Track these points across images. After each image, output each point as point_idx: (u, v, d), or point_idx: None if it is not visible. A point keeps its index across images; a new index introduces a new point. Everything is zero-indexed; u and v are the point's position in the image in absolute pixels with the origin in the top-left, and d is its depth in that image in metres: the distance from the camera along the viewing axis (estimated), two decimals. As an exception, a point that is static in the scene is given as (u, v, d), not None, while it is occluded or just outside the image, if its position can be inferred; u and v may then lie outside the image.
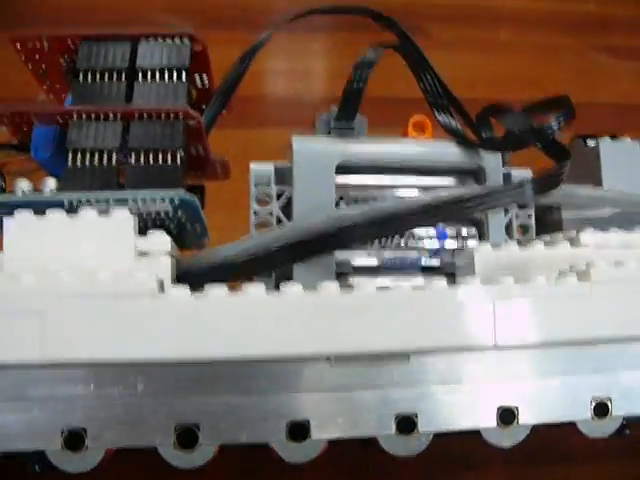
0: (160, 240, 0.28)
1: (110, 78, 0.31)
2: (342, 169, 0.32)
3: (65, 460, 0.26)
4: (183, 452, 0.25)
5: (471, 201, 0.27)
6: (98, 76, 0.31)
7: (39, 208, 0.32)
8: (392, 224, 0.30)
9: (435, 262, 0.33)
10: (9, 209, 0.31)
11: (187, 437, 0.25)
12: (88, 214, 0.27)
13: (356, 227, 0.28)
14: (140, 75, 0.31)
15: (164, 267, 0.27)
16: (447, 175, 0.33)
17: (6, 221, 0.27)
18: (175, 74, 0.31)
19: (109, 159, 0.30)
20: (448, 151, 0.32)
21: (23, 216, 0.27)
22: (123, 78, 0.31)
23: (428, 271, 0.32)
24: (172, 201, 0.29)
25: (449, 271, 0.32)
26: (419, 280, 0.32)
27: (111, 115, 0.30)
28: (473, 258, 0.28)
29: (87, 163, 0.30)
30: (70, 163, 0.30)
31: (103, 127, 0.30)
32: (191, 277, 0.28)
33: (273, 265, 0.29)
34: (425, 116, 0.33)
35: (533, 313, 0.25)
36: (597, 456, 0.39)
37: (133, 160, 0.30)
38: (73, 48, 0.32)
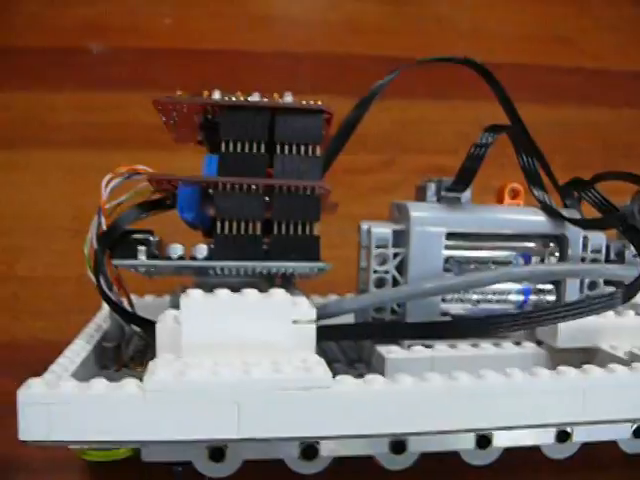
0: (308, 311, 0.32)
1: (250, 148, 0.34)
2: (448, 234, 0.36)
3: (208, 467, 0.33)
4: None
5: (566, 307, 0.32)
6: (240, 146, 0.34)
7: (189, 272, 0.36)
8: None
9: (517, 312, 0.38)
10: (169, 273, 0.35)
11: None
12: (251, 294, 0.31)
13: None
14: (279, 147, 0.34)
15: (311, 333, 0.32)
16: (534, 240, 0.38)
17: (183, 298, 0.31)
18: (311, 149, 0.34)
19: (254, 228, 0.34)
20: (539, 220, 0.37)
21: (196, 294, 0.31)
22: (263, 148, 0.34)
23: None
24: (312, 269, 0.34)
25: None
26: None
27: (254, 187, 0.34)
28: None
29: (234, 231, 0.34)
30: (219, 231, 0.34)
31: (247, 198, 0.34)
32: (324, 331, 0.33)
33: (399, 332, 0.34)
34: (519, 184, 0.38)
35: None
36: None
37: (275, 231, 0.34)
38: (210, 110, 0.35)
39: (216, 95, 0.35)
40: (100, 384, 0.27)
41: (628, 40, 0.79)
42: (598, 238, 0.38)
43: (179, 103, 0.35)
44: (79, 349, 0.35)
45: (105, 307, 0.43)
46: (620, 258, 0.39)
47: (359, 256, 0.38)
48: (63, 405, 0.27)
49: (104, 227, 0.34)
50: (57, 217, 0.52)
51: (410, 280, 0.36)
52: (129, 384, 0.28)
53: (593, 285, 0.38)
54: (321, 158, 0.34)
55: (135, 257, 0.34)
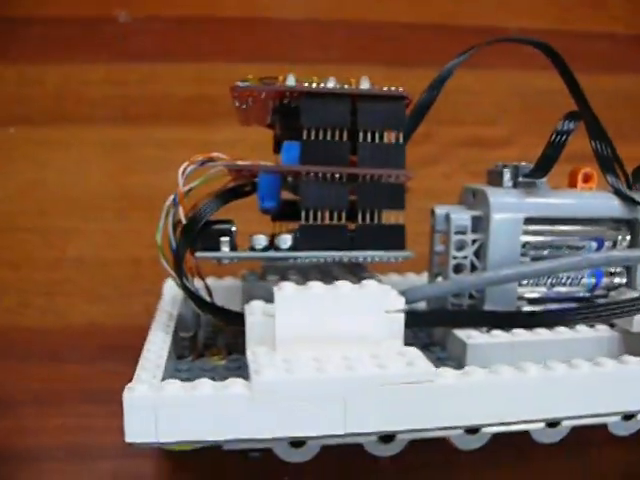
0: (397, 300, 0.32)
1: (333, 136, 0.33)
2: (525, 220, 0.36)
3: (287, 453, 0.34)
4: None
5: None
6: (322, 133, 0.33)
7: (274, 262, 0.35)
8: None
9: (588, 294, 0.38)
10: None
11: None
12: (344, 286, 0.31)
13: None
14: (361, 135, 0.34)
15: (400, 322, 0.32)
16: (607, 224, 0.38)
17: (277, 293, 0.30)
18: (394, 136, 0.34)
19: (339, 218, 0.33)
20: (612, 204, 0.37)
21: (289, 288, 0.31)
22: (345, 136, 0.33)
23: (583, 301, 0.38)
24: (397, 258, 0.34)
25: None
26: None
27: (337, 176, 0.33)
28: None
29: (319, 221, 0.33)
30: (303, 220, 0.33)
31: (332, 187, 0.33)
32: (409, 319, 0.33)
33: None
34: (591, 169, 0.38)
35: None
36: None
37: (360, 220, 0.34)
38: (288, 95, 0.34)
39: (290, 80, 0.34)
40: (206, 385, 0.27)
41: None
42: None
43: (259, 91, 0.34)
44: (160, 341, 0.34)
45: (170, 292, 0.42)
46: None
47: (432, 240, 0.38)
48: (170, 408, 0.27)
49: (182, 217, 0.34)
50: (102, 197, 0.51)
51: (489, 266, 0.35)
52: (235, 384, 0.27)
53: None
54: (404, 145, 0.34)
55: (218, 249, 0.33)
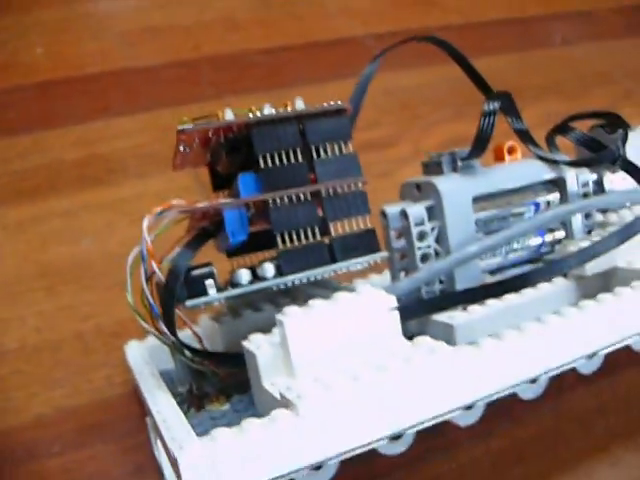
0: (390, 300, 0.33)
1: (288, 159, 0.34)
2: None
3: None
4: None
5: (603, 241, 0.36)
6: (277, 158, 0.34)
7: (261, 293, 0.35)
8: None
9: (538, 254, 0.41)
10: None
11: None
12: (343, 298, 0.32)
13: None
14: (315, 153, 0.35)
15: (397, 319, 0.33)
16: (538, 188, 0.41)
17: (284, 319, 0.30)
18: (344, 146, 0.35)
19: (313, 235, 0.34)
20: (538, 169, 0.41)
21: (295, 311, 0.31)
22: (300, 157, 0.34)
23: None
24: (375, 261, 0.35)
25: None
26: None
27: (302, 196, 0.34)
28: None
29: (296, 243, 0.34)
30: (281, 245, 0.34)
31: (300, 207, 0.34)
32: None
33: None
34: (513, 141, 0.41)
35: None
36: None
37: (333, 232, 0.34)
38: (235, 129, 0.35)
39: (229, 114, 0.34)
40: (252, 424, 0.27)
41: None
42: (585, 175, 0.42)
43: (211, 127, 0.34)
44: (165, 401, 0.33)
45: (135, 354, 0.41)
46: (601, 188, 0.43)
47: (388, 239, 0.39)
48: (227, 456, 0.26)
49: (156, 270, 0.33)
50: (25, 279, 0.48)
51: (452, 248, 0.38)
52: (281, 415, 0.27)
53: (588, 216, 0.42)
54: (356, 154, 0.35)
55: (205, 293, 0.33)
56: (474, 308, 0.37)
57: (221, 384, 0.36)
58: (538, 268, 0.38)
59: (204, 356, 0.34)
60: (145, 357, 0.41)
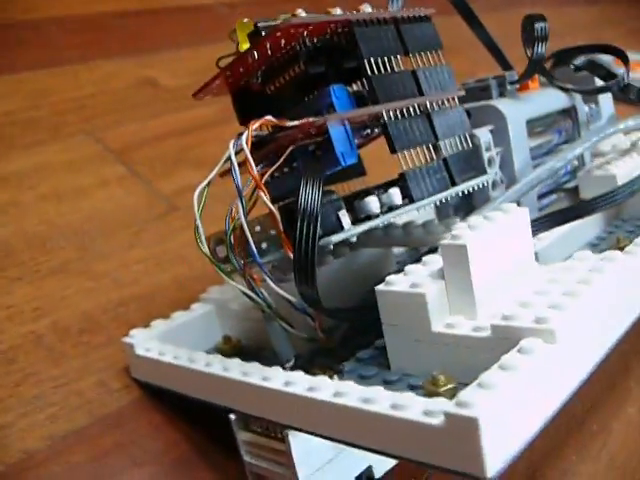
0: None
1: (391, 67, 0.29)
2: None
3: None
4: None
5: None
6: (381, 66, 0.28)
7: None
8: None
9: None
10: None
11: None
12: (496, 216, 0.27)
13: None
14: (417, 61, 0.30)
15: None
16: (559, 115, 0.40)
17: (468, 242, 0.25)
18: (440, 56, 0.31)
19: (434, 154, 0.29)
20: (560, 97, 0.40)
21: (466, 233, 0.25)
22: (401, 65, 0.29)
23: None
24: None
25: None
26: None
27: (415, 109, 0.29)
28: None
29: (417, 164, 0.28)
30: (405, 167, 0.28)
31: (415, 121, 0.29)
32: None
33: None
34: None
35: None
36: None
37: (447, 152, 0.30)
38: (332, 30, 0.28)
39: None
40: (513, 360, 0.21)
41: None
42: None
43: (314, 22, 0.27)
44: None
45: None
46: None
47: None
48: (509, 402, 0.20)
49: (269, 205, 0.25)
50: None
51: (517, 175, 0.35)
52: (536, 346, 0.22)
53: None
54: (449, 65, 0.31)
55: (341, 227, 0.26)
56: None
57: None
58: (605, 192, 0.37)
59: (341, 314, 0.26)
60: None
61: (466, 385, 0.21)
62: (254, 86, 0.31)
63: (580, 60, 0.41)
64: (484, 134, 0.34)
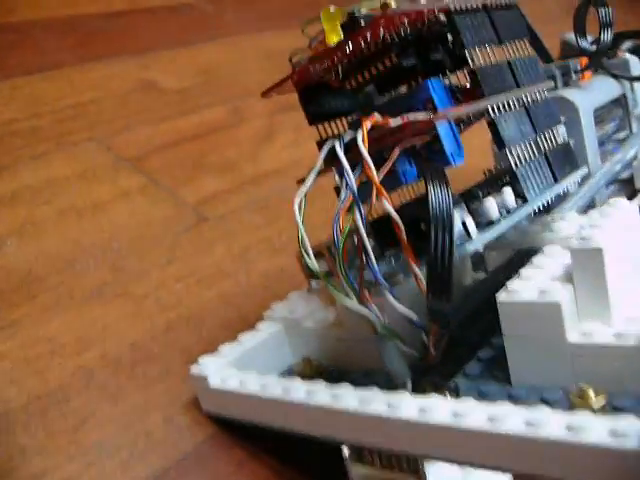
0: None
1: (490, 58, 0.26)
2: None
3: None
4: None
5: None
6: (481, 56, 0.26)
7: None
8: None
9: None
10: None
11: None
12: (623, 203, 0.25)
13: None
14: (512, 51, 0.27)
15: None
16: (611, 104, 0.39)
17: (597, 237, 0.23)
18: (526, 44, 0.29)
19: (536, 150, 0.27)
20: (614, 85, 0.38)
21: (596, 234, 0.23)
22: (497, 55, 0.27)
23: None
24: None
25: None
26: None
27: (516, 102, 0.27)
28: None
29: (524, 160, 0.26)
30: (513, 164, 0.26)
31: (517, 116, 0.27)
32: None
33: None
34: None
35: None
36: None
37: (547, 146, 0.28)
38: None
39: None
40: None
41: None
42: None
43: (413, 10, 0.24)
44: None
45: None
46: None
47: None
48: None
49: (391, 210, 0.22)
50: None
51: (591, 166, 0.33)
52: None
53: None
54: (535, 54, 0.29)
55: (468, 235, 0.23)
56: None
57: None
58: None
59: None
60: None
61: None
62: (332, 82, 0.28)
63: (627, 45, 0.40)
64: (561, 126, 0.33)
